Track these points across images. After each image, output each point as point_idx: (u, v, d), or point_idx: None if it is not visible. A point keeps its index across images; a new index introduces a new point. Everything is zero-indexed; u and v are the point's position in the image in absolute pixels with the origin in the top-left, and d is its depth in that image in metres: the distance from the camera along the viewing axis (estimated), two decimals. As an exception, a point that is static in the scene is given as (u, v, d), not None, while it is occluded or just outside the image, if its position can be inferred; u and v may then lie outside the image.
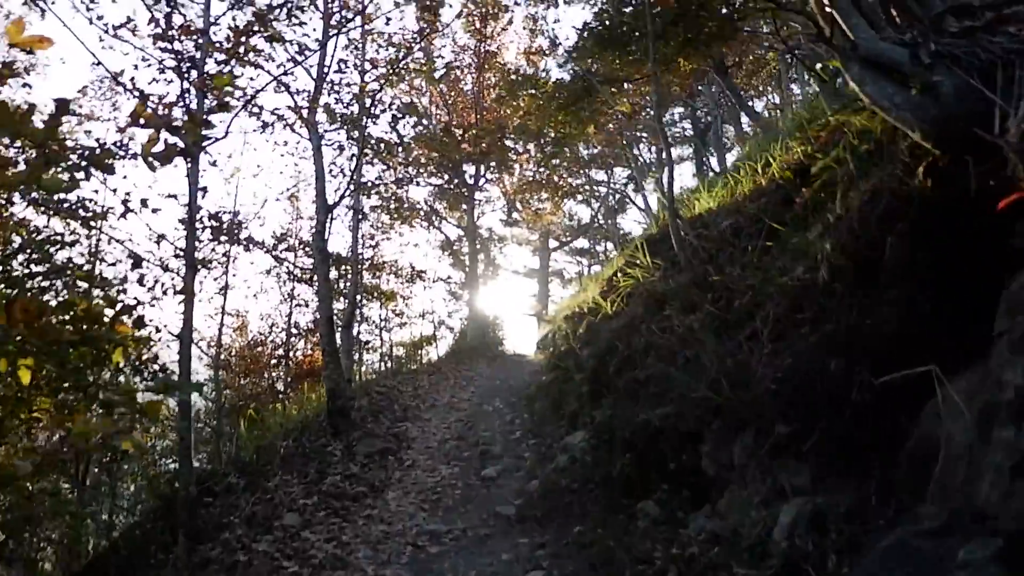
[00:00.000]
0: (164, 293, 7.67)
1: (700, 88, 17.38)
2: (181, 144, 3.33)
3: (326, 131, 9.22)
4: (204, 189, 7.47)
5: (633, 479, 5.46)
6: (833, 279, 4.17)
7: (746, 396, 4.29)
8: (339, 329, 12.09)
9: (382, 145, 9.78)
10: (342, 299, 12.87)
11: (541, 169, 20.88)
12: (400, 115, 9.63)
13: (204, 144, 6.36)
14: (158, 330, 7.06)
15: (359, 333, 18.31)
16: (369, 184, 11.47)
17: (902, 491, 3.18)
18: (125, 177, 7.86)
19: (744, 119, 19.36)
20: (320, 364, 20.22)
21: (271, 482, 7.43)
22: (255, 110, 8.65)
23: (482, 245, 24.48)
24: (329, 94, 9.02)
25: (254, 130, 9.01)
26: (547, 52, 17.26)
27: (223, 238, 8.44)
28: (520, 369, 16.36)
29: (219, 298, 13.29)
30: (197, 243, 7.57)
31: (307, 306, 17.19)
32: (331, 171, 9.49)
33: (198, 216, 7.56)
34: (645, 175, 23.70)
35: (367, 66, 10.24)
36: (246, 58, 7.66)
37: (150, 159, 2.87)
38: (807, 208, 5.71)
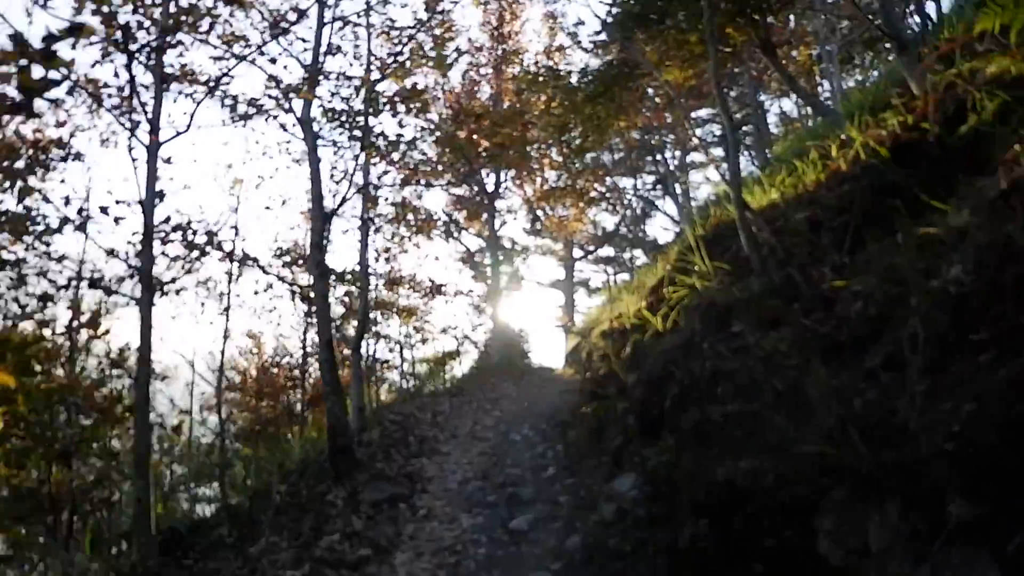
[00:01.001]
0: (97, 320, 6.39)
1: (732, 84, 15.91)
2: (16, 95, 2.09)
3: (322, 129, 8.00)
4: (160, 194, 6.20)
5: (710, 553, 4.06)
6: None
7: (893, 455, 2.89)
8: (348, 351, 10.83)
9: (386, 143, 8.48)
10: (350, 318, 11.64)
11: (564, 176, 19.58)
12: (404, 99, 8.30)
13: (135, 128, 5.11)
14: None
15: (373, 353, 17.02)
16: (372, 187, 10.09)
17: None
18: (63, 181, 6.59)
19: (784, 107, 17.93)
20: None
21: (254, 547, 6.10)
22: (228, 100, 7.37)
23: (505, 256, 23.20)
24: (327, 80, 7.79)
25: (232, 122, 7.42)
26: (569, 48, 15.92)
27: (194, 253, 7.18)
28: (549, 387, 14.98)
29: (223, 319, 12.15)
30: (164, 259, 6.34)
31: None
32: (332, 175, 8.27)
33: (160, 227, 6.32)
34: (672, 180, 22.31)
35: (370, 55, 8.99)
36: (198, 29, 6.41)
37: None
38: (931, 187, 4.31)
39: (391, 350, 18.17)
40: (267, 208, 12.13)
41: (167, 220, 6.53)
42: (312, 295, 7.90)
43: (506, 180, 18.80)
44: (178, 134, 6.24)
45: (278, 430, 16.12)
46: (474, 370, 21.83)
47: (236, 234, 9.91)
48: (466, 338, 22.04)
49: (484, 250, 19.84)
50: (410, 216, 14.65)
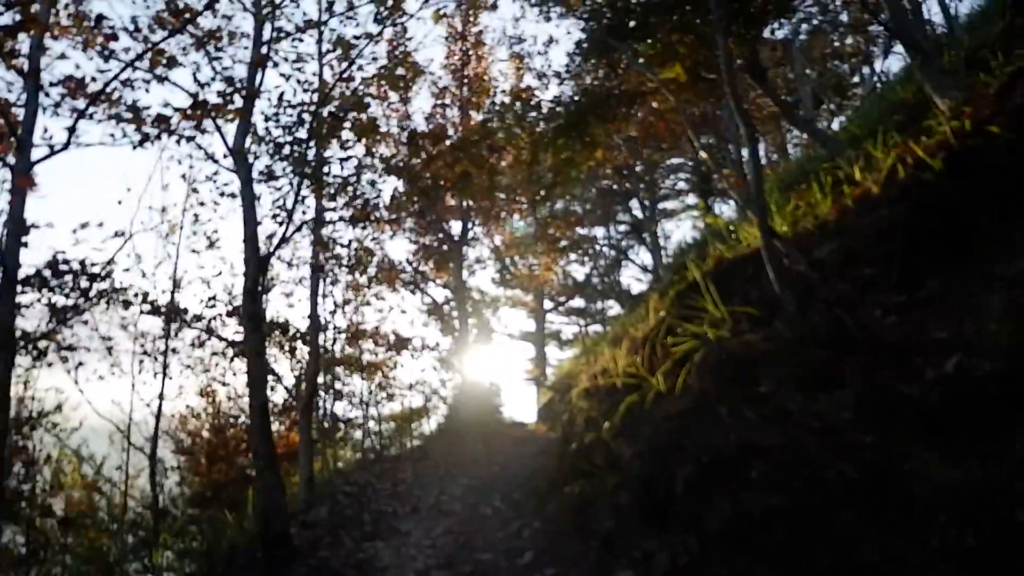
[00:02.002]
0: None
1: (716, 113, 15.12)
2: None
3: (259, 159, 6.83)
4: (24, 226, 4.93)
5: None
6: None
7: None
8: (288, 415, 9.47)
9: (335, 180, 7.34)
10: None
11: (532, 223, 18.61)
12: (353, 127, 7.20)
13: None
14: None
15: (330, 412, 15.55)
16: (315, 225, 8.81)
17: None
18: None
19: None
20: (296, 446, 17.51)
21: None
22: (127, 113, 6.13)
23: (473, 307, 22.01)
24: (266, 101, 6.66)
25: (140, 144, 6.16)
26: (537, 88, 15.06)
27: (66, 298, 5.87)
28: (522, 448, 13.65)
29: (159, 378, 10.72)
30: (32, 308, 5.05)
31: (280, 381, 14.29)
32: (274, 214, 7.07)
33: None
34: (647, 227, 21.51)
35: (321, 78, 7.87)
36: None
37: None
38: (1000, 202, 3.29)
39: (352, 408, 16.69)
40: (194, 252, 10.52)
41: (53, 261, 5.30)
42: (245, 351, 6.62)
43: (473, 228, 17.69)
44: (53, 151, 5.04)
45: (234, 494, 14.56)
46: (442, 428, 20.39)
47: (175, 286, 8.63)
48: (435, 393, 20.66)
49: (451, 301, 18.61)
50: (370, 265, 13.37)
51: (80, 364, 9.19)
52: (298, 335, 8.65)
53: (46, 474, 10.88)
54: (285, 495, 6.58)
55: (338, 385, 16.38)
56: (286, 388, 10.50)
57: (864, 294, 3.96)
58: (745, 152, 5.18)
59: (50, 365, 8.07)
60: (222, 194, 7.34)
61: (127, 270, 13.75)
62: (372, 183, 8.70)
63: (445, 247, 17.67)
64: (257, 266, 6.75)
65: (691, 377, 4.41)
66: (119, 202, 13.71)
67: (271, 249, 6.75)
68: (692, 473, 3.93)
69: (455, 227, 17.86)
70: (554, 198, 12.79)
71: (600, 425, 5.47)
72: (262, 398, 6.42)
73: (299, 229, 7.08)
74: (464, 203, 16.97)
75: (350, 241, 9.66)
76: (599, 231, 26.18)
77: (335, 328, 14.92)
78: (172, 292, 9.64)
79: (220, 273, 11.06)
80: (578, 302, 33.62)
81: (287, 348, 9.98)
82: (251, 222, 6.85)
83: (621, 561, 4.87)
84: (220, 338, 8.66)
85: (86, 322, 8.58)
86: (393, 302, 17.59)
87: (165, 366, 10.31)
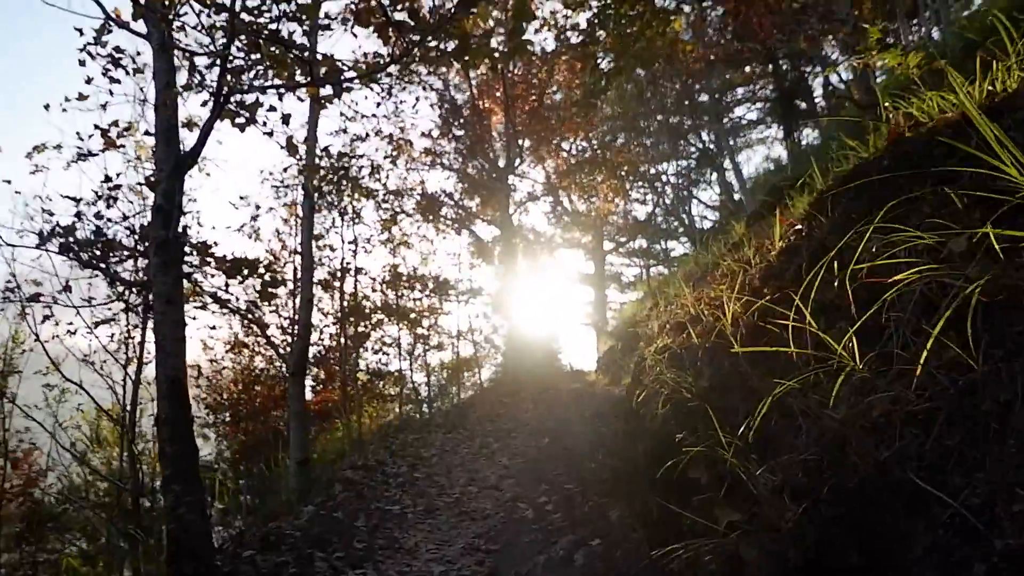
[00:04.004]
0: None
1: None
2: None
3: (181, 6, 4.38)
4: None
5: None
6: None
7: None
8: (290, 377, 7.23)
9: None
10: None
11: (592, 145, 15.79)
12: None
13: None
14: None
15: (364, 368, 13.41)
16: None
17: None
18: None
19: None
20: (337, 401, 15.49)
21: None
22: None
23: (526, 248, 19.48)
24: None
25: None
26: None
27: None
28: (580, 406, 11.23)
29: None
30: None
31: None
32: (195, 82, 4.63)
33: None
34: (724, 149, 18.43)
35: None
36: None
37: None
38: None
39: (390, 361, 14.49)
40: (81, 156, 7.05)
41: None
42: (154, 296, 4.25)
43: (521, 154, 14.98)
44: None
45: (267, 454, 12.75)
46: (496, 378, 18.20)
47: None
48: (487, 341, 18.41)
49: (498, 240, 16.08)
50: (392, 197, 10.91)
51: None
52: (280, 277, 6.33)
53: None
54: (208, 517, 4.33)
55: (375, 336, 14.24)
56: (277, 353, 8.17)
57: None
58: None
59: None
60: (119, 65, 4.93)
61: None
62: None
63: (492, 176, 15.09)
64: (173, 170, 4.38)
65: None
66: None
67: (193, 147, 4.32)
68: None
69: (500, 153, 15.26)
70: (615, 84, 9.91)
71: (706, 416, 2.89)
72: (174, 369, 4.12)
73: (251, 120, 4.60)
74: (510, 127, 14.30)
75: (340, 155, 7.06)
76: (665, 166, 23.09)
77: (362, 272, 12.66)
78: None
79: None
80: (639, 243, 30.83)
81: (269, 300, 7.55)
82: (166, 108, 4.47)
83: None
84: (115, 278, 6.25)
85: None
86: (437, 244, 15.25)
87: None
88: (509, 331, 17.62)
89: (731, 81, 18.34)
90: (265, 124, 5.30)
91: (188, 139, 5.89)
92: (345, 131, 10.09)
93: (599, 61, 7.21)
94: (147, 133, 4.61)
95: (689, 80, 14.96)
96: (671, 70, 13.78)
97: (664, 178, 22.74)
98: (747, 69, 17.28)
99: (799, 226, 3.47)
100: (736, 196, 18.33)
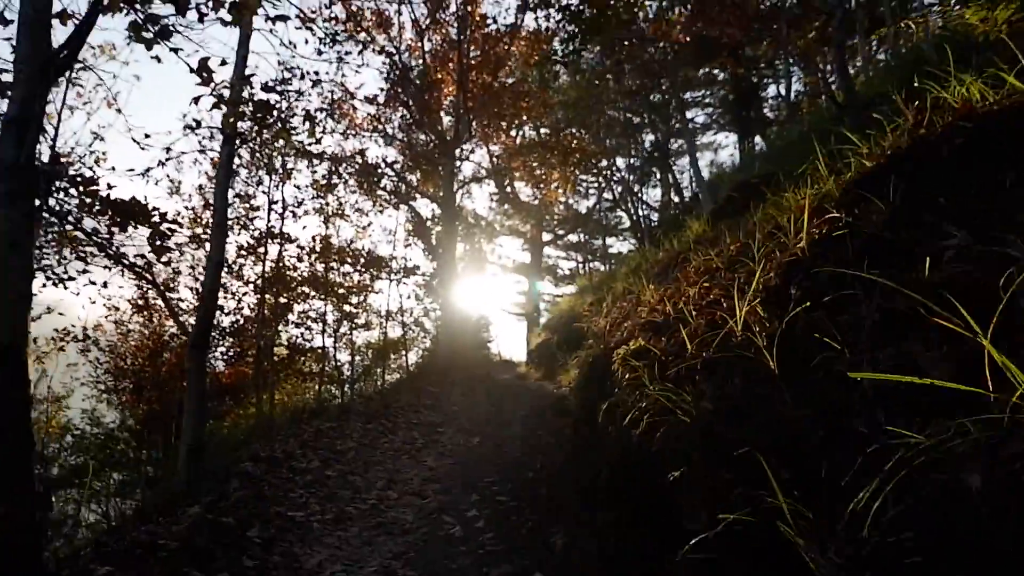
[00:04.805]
0: None
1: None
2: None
3: None
4: None
5: None
6: None
7: None
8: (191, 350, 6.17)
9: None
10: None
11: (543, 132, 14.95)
12: None
13: None
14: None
15: (284, 341, 12.22)
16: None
17: None
18: None
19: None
20: (249, 376, 14.22)
21: None
22: None
23: (466, 231, 18.57)
24: None
25: None
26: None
27: None
28: (515, 399, 10.47)
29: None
30: None
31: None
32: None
33: None
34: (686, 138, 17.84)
35: None
36: None
37: None
38: None
39: (312, 337, 13.28)
40: None
41: None
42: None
43: (470, 130, 13.98)
44: None
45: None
46: (423, 363, 17.22)
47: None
48: (416, 324, 17.38)
49: (438, 219, 15.07)
50: (329, 162, 9.81)
51: None
52: (174, 231, 5.24)
53: None
54: (41, 530, 3.32)
55: (297, 308, 13.03)
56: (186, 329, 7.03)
57: None
58: None
59: None
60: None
61: None
62: None
63: (437, 152, 14.04)
64: (38, 72, 3.31)
65: None
66: None
67: (63, 47, 3.24)
68: None
69: (448, 135, 14.24)
70: (578, 61, 9.03)
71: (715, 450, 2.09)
72: (10, 333, 3.08)
73: (161, 35, 3.54)
74: (462, 100, 13.29)
75: (266, 87, 5.96)
76: (616, 161, 22.37)
77: (289, 239, 11.49)
78: None
79: None
80: (578, 236, 30.34)
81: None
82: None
83: None
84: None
85: None
86: (372, 218, 14.14)
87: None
88: (441, 315, 16.68)
89: (690, 81, 17.78)
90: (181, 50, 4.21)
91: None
92: (284, 82, 8.92)
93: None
94: (2, 20, 3.47)
95: (655, 65, 14.22)
96: (640, 51, 12.97)
97: (612, 172, 22.09)
98: (708, 70, 16.77)
99: (835, 214, 2.73)
100: (689, 194, 17.88)
